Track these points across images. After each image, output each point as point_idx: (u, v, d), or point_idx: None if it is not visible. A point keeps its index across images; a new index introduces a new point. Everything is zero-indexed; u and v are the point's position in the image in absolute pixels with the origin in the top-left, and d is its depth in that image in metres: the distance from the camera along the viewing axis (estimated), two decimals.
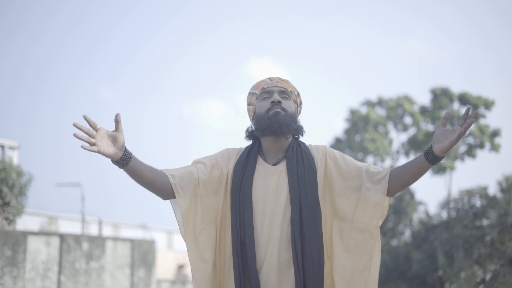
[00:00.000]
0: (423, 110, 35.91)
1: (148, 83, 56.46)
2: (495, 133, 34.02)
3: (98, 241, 18.34)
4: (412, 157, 35.93)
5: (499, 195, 31.76)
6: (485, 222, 32.34)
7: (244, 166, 2.77)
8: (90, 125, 2.47)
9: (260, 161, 2.81)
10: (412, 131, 36.66)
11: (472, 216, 31.59)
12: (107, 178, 54.75)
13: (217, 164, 2.80)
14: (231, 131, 60.49)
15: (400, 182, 2.69)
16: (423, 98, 40.46)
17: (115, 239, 19.35)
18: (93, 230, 23.02)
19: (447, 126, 2.66)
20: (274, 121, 2.74)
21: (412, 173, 2.67)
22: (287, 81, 2.89)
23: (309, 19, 59.90)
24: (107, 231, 26.83)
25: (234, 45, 59.61)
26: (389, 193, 2.73)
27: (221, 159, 2.83)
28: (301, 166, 2.74)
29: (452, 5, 56.75)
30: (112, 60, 54.09)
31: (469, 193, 31.76)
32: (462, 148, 34.65)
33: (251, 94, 2.89)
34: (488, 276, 31.86)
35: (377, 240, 2.73)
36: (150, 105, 56.27)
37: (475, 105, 34.58)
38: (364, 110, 38.41)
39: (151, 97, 56.18)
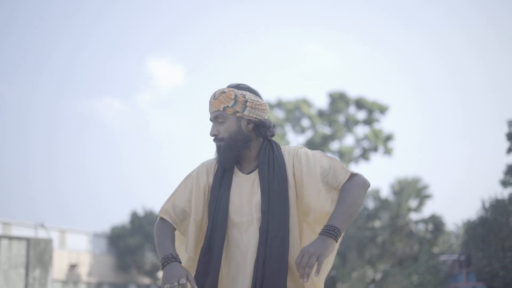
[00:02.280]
0: (321, 113, 36.70)
1: (42, 79, 54.73)
2: (389, 137, 35.23)
3: None
4: None
5: (391, 197, 32.88)
6: (377, 223, 33.40)
7: (221, 178, 2.81)
8: None
9: (236, 171, 2.83)
10: (309, 133, 37.34)
11: (365, 218, 32.54)
12: None
13: (197, 186, 2.86)
14: (126, 129, 59.63)
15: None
16: (321, 102, 41.44)
17: (10, 238, 18.57)
18: None
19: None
20: (218, 157, 2.83)
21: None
22: (222, 94, 2.78)
23: (208, 18, 59.94)
24: None
25: (132, 42, 58.74)
26: None
27: (201, 176, 2.88)
28: (272, 172, 2.74)
29: (349, 10, 58.29)
30: (8, 56, 52.14)
31: None
32: (357, 152, 35.68)
33: None
34: (378, 276, 33.00)
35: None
36: (45, 102, 54.56)
37: (370, 110, 35.67)
38: None
39: (46, 94, 54.46)
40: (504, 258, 24.77)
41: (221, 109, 2.77)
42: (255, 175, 2.78)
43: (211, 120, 2.84)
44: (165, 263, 2.61)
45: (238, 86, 2.84)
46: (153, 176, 61.42)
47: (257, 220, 2.70)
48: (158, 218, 2.84)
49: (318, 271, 2.46)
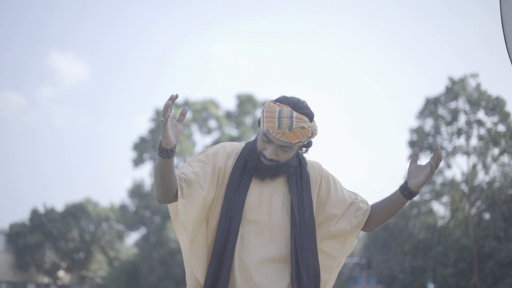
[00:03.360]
0: (228, 115, 36.79)
1: None
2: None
3: None
4: None
5: None
6: None
7: (242, 172, 2.75)
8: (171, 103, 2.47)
9: (253, 178, 2.79)
10: (216, 134, 37.33)
11: None
12: None
13: (213, 165, 2.75)
14: (27, 124, 57.85)
15: (378, 220, 2.82)
16: (229, 103, 41.55)
17: None
18: None
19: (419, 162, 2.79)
20: (259, 169, 2.73)
21: (390, 210, 2.79)
22: (300, 130, 2.64)
23: (115, 15, 59.04)
24: None
25: (35, 35, 57.06)
26: (368, 228, 2.85)
27: (220, 157, 2.78)
28: (300, 184, 2.79)
29: (258, 11, 58.81)
30: None
31: None
32: None
33: (262, 116, 2.69)
34: None
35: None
36: None
37: None
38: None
39: None
40: (403, 261, 25.70)
41: (294, 142, 2.66)
42: (279, 182, 2.79)
43: (270, 142, 2.68)
44: (159, 145, 2.55)
45: (309, 115, 2.70)
46: (55, 172, 59.89)
47: (277, 226, 2.72)
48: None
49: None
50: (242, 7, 58.44)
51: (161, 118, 2.48)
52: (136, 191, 36.18)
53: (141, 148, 38.05)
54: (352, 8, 58.61)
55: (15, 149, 58.40)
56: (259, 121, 2.75)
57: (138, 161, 37.85)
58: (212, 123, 37.99)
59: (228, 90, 70.22)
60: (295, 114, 2.62)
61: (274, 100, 2.69)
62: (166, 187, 2.60)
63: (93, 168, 61.93)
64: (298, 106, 2.67)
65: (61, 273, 38.04)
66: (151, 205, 34.90)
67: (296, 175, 2.80)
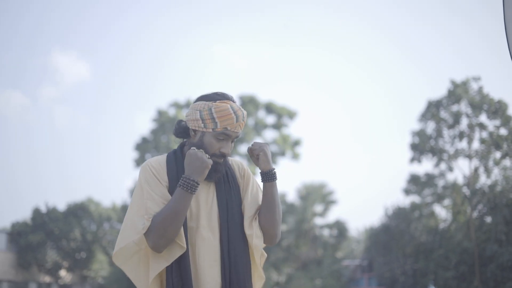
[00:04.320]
0: None
1: None
2: (297, 143, 35.77)
3: None
4: None
5: (297, 202, 33.44)
6: (283, 227, 33.90)
7: (176, 180, 2.75)
8: None
9: None
10: None
11: None
12: None
13: (160, 190, 2.74)
14: (29, 123, 57.89)
15: (264, 218, 2.82)
16: None
17: None
18: None
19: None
20: (213, 170, 2.75)
21: (265, 202, 2.82)
22: (243, 118, 2.77)
23: (116, 15, 59.08)
24: None
25: (37, 34, 57.14)
26: (267, 237, 2.84)
27: (160, 176, 2.77)
28: (227, 182, 2.85)
29: (257, 12, 58.83)
30: None
31: None
32: None
33: (212, 117, 2.71)
34: (283, 279, 33.44)
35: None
36: None
37: (279, 114, 36.15)
38: (172, 111, 38.54)
39: None
40: (405, 264, 25.69)
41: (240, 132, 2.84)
42: (210, 183, 2.82)
43: (227, 135, 2.75)
44: (187, 178, 2.63)
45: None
46: (57, 172, 59.95)
47: (211, 228, 2.76)
48: (147, 228, 2.63)
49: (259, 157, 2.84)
50: (243, 7, 58.51)
51: (204, 155, 2.63)
52: None
53: (143, 148, 38.09)
54: (354, 9, 58.67)
55: (17, 148, 58.49)
56: (192, 128, 2.79)
57: (139, 161, 37.88)
58: None
59: (229, 91, 69.98)
60: (236, 104, 2.77)
61: (210, 100, 2.75)
62: (178, 229, 2.64)
63: (95, 168, 62.00)
64: (232, 98, 2.80)
65: (62, 273, 38.06)
66: None
67: (223, 175, 2.87)
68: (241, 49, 59.63)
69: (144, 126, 78.24)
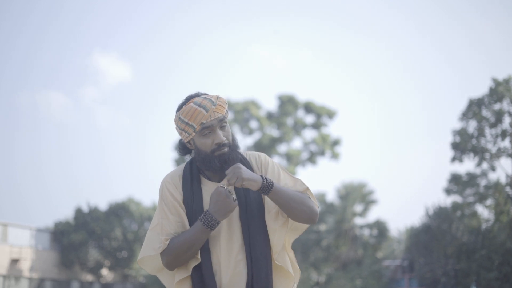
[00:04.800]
0: (269, 116, 36.84)
1: None
2: (336, 142, 35.62)
3: None
4: None
5: (336, 201, 33.30)
6: (322, 227, 33.78)
7: (191, 190, 2.77)
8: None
9: (203, 180, 2.81)
10: (257, 135, 37.41)
11: None
12: None
13: (175, 209, 2.77)
14: (72, 124, 58.72)
15: (290, 216, 2.76)
16: (270, 104, 41.55)
17: None
18: None
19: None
20: (224, 164, 2.71)
21: (280, 206, 2.74)
22: (218, 99, 2.75)
23: (157, 16, 59.57)
24: None
25: (79, 36, 57.94)
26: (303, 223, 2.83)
27: (174, 193, 2.80)
28: None
29: (298, 13, 58.73)
30: None
31: None
32: (304, 155, 35.97)
33: (185, 123, 2.73)
34: (322, 279, 33.34)
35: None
36: None
37: (318, 114, 36.05)
38: None
39: None
40: (446, 264, 25.40)
41: (224, 113, 2.73)
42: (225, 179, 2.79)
43: (209, 126, 2.72)
44: (209, 215, 2.63)
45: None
46: (98, 172, 60.72)
47: (230, 225, 2.75)
48: (163, 249, 2.71)
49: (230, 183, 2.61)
50: (285, 8, 58.42)
51: (233, 197, 2.61)
52: None
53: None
54: (394, 7, 58.17)
55: (59, 149, 59.38)
56: (185, 141, 2.80)
57: (179, 161, 38.14)
58: (253, 124, 38.08)
59: (269, 91, 70.18)
60: (203, 95, 2.76)
61: (178, 111, 2.78)
62: (192, 257, 2.70)
63: (136, 168, 62.66)
64: (196, 94, 2.79)
65: (104, 271, 38.54)
66: None
67: None
68: (281, 49, 59.63)
69: None
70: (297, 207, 2.67)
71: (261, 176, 2.63)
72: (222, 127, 2.74)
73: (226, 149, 2.71)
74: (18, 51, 55.09)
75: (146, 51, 59.57)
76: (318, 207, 2.77)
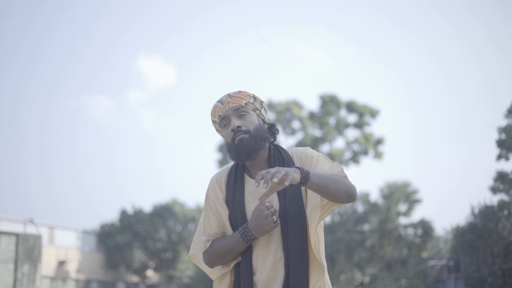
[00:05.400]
0: (312, 116, 36.71)
1: (33, 77, 54.51)
2: (379, 141, 35.31)
3: None
4: None
5: (380, 201, 32.95)
6: (366, 227, 33.49)
7: (234, 189, 2.81)
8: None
9: (247, 179, 2.83)
10: (300, 135, 37.33)
11: (354, 221, 32.62)
12: None
13: (216, 209, 2.84)
14: (117, 127, 59.45)
15: (331, 199, 2.72)
16: (312, 104, 41.50)
17: None
18: None
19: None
20: (241, 150, 2.74)
21: (320, 194, 2.69)
22: (239, 93, 2.85)
23: (199, 18, 59.90)
24: None
25: (123, 39, 58.65)
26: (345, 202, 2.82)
27: (218, 193, 2.86)
28: None
29: (340, 12, 58.44)
30: None
31: None
32: (347, 155, 35.75)
33: (213, 122, 2.91)
34: (367, 279, 33.06)
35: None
36: (37, 99, 54.33)
37: (361, 113, 35.77)
38: None
39: (37, 91, 54.24)
40: (493, 264, 24.89)
41: (243, 104, 2.81)
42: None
43: (226, 117, 2.81)
44: (247, 230, 2.67)
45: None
46: (142, 174, 61.33)
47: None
48: (204, 250, 2.84)
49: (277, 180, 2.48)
50: (325, 8, 58.21)
51: (274, 218, 2.63)
52: None
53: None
54: (442, 10, 57.43)
55: (105, 151, 60.17)
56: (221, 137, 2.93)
57: (222, 163, 38.30)
58: (296, 124, 38.02)
59: (311, 91, 69.99)
60: (238, 90, 2.88)
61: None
62: (228, 262, 2.81)
63: (180, 170, 63.07)
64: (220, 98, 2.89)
65: (149, 273, 38.91)
66: None
67: (278, 164, 2.81)
68: (323, 49, 59.36)
69: None
70: (336, 187, 2.64)
71: (297, 167, 2.56)
72: (241, 116, 2.79)
73: (243, 135, 2.74)
74: (63, 54, 56.05)
75: (189, 53, 59.98)
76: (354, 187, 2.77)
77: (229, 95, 2.83)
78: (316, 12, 58.60)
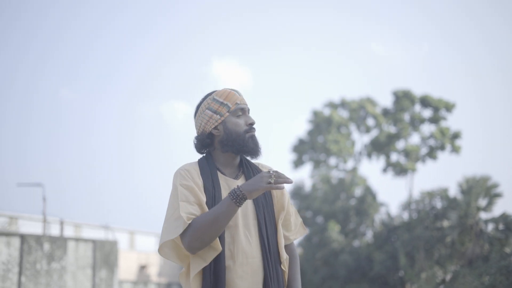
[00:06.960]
0: (385, 112, 36.22)
1: (109, 84, 55.91)
2: (456, 135, 34.47)
3: (60, 242, 18.04)
4: (374, 158, 36.24)
5: (459, 196, 32.14)
6: (445, 223, 32.73)
7: (212, 180, 2.81)
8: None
9: (220, 175, 2.85)
10: (374, 132, 36.97)
11: (433, 217, 31.94)
12: (68, 178, 54.12)
13: (196, 194, 2.76)
14: (194, 132, 60.09)
15: None
16: (386, 100, 41.00)
17: (77, 239, 19.08)
18: (54, 231, 22.65)
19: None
20: (255, 145, 2.86)
21: None
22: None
23: (272, 19, 60.05)
24: (68, 232, 26.50)
25: (197, 44, 59.40)
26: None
27: (195, 177, 2.82)
28: None
29: (414, 8, 57.47)
30: (72, 60, 53.41)
31: (430, 194, 32.06)
32: (423, 150, 35.07)
33: (220, 103, 2.87)
34: (448, 277, 32.29)
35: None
36: (111, 106, 55.73)
37: (436, 108, 35.02)
38: (327, 111, 38.56)
39: (113, 98, 55.63)
40: None
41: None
42: (242, 181, 2.85)
43: (243, 108, 2.92)
44: (238, 189, 2.60)
45: None
46: None
47: (247, 226, 2.78)
48: (184, 228, 2.62)
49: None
50: (398, 3, 57.31)
51: (271, 180, 2.57)
52: (297, 193, 36.55)
53: (300, 149, 38.47)
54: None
55: (183, 157, 60.97)
56: (212, 127, 2.90)
57: (297, 163, 38.30)
58: (370, 122, 37.66)
59: (384, 87, 68.93)
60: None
61: (207, 97, 2.96)
62: (216, 236, 2.63)
63: None
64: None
65: None
66: (312, 206, 35.13)
67: (253, 173, 2.90)
68: (396, 45, 58.46)
69: (301, 128, 78.87)
70: None
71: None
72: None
73: (254, 132, 2.89)
74: (141, 64, 57.21)
75: (265, 55, 60.16)
76: None
77: (238, 93, 2.95)
78: (387, 8, 57.81)
